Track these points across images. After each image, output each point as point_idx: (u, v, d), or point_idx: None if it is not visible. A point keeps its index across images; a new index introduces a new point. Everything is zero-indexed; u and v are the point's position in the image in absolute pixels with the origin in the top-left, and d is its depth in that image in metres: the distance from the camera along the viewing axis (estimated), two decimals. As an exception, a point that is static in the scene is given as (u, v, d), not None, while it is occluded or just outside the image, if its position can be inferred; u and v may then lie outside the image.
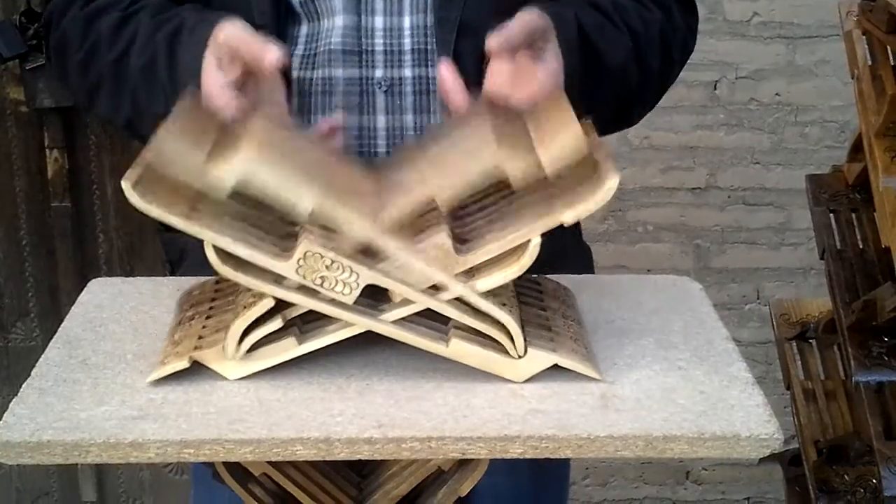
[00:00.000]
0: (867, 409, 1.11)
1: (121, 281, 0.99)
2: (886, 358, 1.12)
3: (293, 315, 0.80)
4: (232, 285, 0.89)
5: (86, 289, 0.97)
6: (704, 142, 2.35)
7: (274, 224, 0.81)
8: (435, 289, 0.79)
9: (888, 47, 1.19)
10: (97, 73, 1.03)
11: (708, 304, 0.96)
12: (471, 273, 0.79)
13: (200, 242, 1.12)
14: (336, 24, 1.02)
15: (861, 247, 1.25)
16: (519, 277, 0.81)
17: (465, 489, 0.84)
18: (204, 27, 0.93)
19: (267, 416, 0.76)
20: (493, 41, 0.83)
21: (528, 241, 0.78)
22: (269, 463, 0.81)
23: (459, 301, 0.80)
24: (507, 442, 0.74)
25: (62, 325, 0.90)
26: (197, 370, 0.81)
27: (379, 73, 1.02)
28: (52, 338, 0.88)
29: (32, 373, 0.82)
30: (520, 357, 0.81)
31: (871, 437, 1.11)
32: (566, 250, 1.16)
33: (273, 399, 0.78)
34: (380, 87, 1.02)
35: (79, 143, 2.05)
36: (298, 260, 0.77)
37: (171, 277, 0.98)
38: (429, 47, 1.02)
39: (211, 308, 0.87)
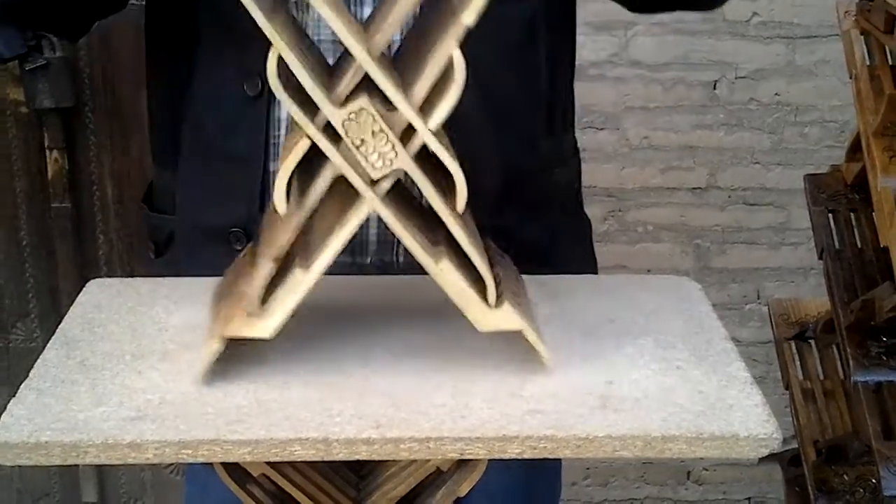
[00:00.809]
0: (866, 410, 1.11)
1: (119, 282, 0.99)
2: (885, 358, 1.12)
3: (281, 255, 0.78)
4: (243, 261, 0.88)
5: (84, 289, 0.96)
6: (704, 142, 2.35)
7: (321, 74, 0.79)
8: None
9: (886, 47, 1.19)
10: None
11: (707, 305, 0.96)
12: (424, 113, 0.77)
13: (189, 228, 1.12)
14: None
15: (860, 246, 1.25)
16: (493, 248, 0.79)
17: (463, 490, 0.84)
18: None
19: (265, 417, 0.76)
20: None
21: (451, 57, 0.75)
22: (268, 463, 0.81)
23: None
24: (505, 442, 0.74)
25: (60, 326, 0.90)
26: (194, 369, 0.81)
27: None
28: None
29: (30, 374, 0.82)
30: (493, 307, 0.80)
31: (870, 437, 1.11)
32: (559, 227, 1.16)
33: (271, 399, 0.78)
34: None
35: (79, 144, 2.06)
36: (351, 113, 0.75)
37: (168, 278, 0.98)
38: None
39: (230, 292, 0.86)
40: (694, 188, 2.39)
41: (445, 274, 0.79)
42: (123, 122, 2.04)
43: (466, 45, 0.97)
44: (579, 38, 1.21)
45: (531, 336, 0.82)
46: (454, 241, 0.80)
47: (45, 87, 1.98)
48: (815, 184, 1.33)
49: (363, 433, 0.74)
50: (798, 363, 1.47)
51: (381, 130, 0.76)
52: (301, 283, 0.79)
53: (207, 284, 0.90)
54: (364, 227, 1.04)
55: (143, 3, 1.15)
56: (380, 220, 1.02)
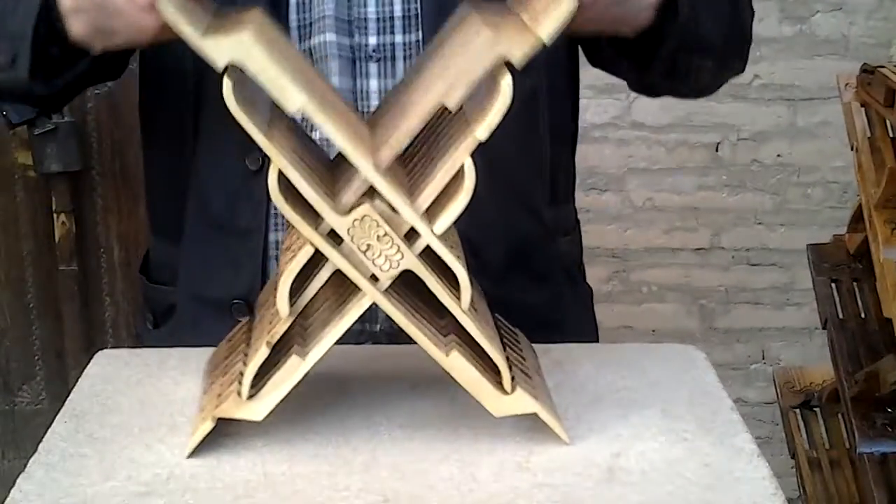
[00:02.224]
0: (871, 480, 1.10)
1: (127, 352, 0.99)
2: (890, 429, 1.12)
3: (275, 340, 0.80)
4: (241, 337, 0.90)
5: (92, 360, 0.97)
6: (707, 202, 2.36)
7: (324, 175, 0.81)
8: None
9: (887, 120, 1.20)
10: None
11: (712, 373, 0.96)
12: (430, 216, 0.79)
13: (190, 300, 1.12)
14: None
15: (863, 316, 1.25)
16: (504, 327, 0.81)
17: (471, 563, 0.83)
18: None
19: (273, 491, 0.76)
20: None
21: (462, 167, 0.77)
22: (275, 537, 0.81)
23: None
24: (513, 516, 0.74)
25: (68, 398, 0.90)
26: (205, 441, 0.81)
27: (372, 40, 1.05)
28: (58, 401, 0.89)
29: (39, 448, 0.82)
30: (508, 393, 0.81)
31: (876, 507, 1.11)
32: (562, 295, 1.16)
33: (279, 473, 0.78)
34: (372, 59, 1.05)
35: (86, 208, 2.07)
36: (355, 220, 0.77)
37: (177, 349, 0.98)
38: (419, 12, 1.04)
39: (226, 367, 0.88)
40: (698, 249, 2.40)
41: (457, 366, 0.81)
42: (130, 185, 2.06)
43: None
44: (582, 101, 1.22)
45: (547, 418, 0.82)
46: (463, 327, 0.81)
47: (52, 152, 2.01)
48: (818, 254, 1.34)
49: (371, 508, 0.74)
50: (804, 432, 1.47)
51: (386, 234, 0.77)
52: (297, 371, 0.80)
53: (215, 356, 0.91)
54: (365, 99, 1.05)
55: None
56: (381, 94, 1.04)
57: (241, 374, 0.82)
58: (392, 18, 1.05)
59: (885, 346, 1.17)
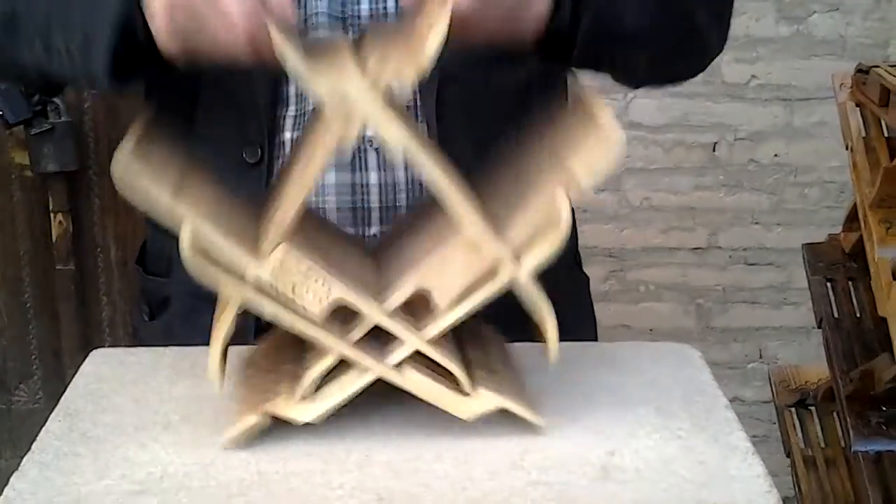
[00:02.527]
0: (866, 479, 1.10)
1: (122, 351, 0.99)
2: (885, 427, 1.12)
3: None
4: (288, 335, 0.90)
5: (87, 359, 0.97)
6: (704, 202, 2.36)
7: (247, 224, 0.81)
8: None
9: (881, 119, 1.20)
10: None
11: (707, 372, 0.96)
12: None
13: (186, 291, 1.12)
14: None
15: (858, 315, 1.25)
16: (463, 323, 0.82)
17: (465, 562, 0.84)
18: None
19: (267, 490, 0.76)
20: None
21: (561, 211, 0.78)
22: (269, 536, 0.81)
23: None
24: (507, 514, 0.74)
25: (63, 397, 0.90)
26: (199, 440, 0.81)
27: (369, 131, 1.04)
28: (55, 400, 0.89)
29: (33, 446, 0.82)
30: (468, 395, 0.82)
31: (871, 507, 1.11)
32: (558, 285, 1.16)
33: (273, 472, 0.78)
34: (371, 145, 1.04)
35: (83, 207, 2.07)
36: (274, 263, 0.78)
37: (171, 348, 0.98)
38: (415, 100, 1.03)
39: (272, 363, 0.88)
40: (695, 248, 2.40)
41: (415, 383, 0.82)
42: (127, 185, 2.06)
43: (461, 111, 0.97)
44: (579, 102, 1.22)
45: (516, 409, 0.83)
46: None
47: (49, 151, 2.01)
48: (813, 253, 1.34)
49: (365, 506, 0.74)
50: (799, 431, 1.47)
51: (309, 269, 0.78)
52: (356, 383, 0.81)
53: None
54: (365, 195, 1.04)
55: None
56: (382, 188, 1.03)
57: (294, 373, 0.82)
58: (386, 15, 1.04)
59: (880, 344, 1.17)
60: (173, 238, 1.13)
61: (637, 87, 1.17)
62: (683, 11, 1.03)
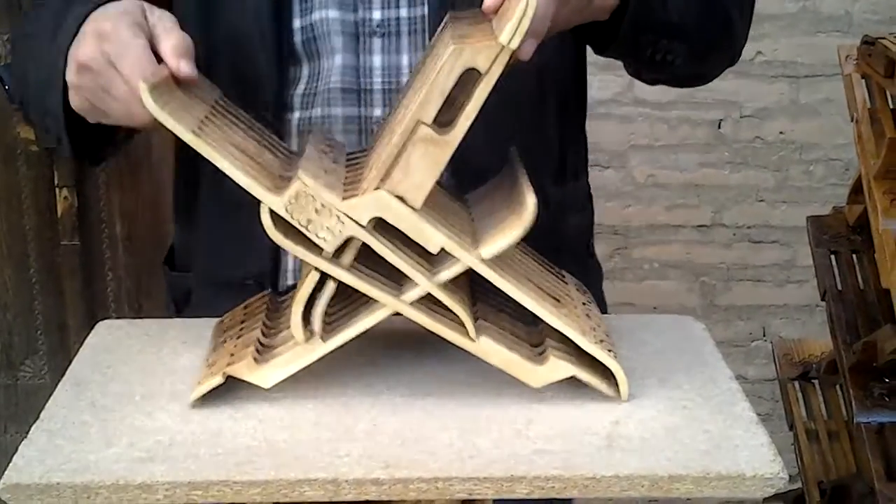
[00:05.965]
0: (868, 450, 1.11)
1: (128, 323, 1.00)
2: (887, 399, 1.12)
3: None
4: (259, 306, 0.92)
5: (93, 331, 0.97)
6: (709, 180, 2.36)
7: (271, 163, 0.84)
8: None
9: (887, 91, 1.20)
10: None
11: (711, 344, 0.96)
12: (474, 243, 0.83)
13: (206, 283, 1.13)
14: (335, 64, 1.03)
15: (862, 288, 1.25)
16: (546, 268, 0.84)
17: (469, 530, 0.84)
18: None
19: (275, 458, 0.76)
20: None
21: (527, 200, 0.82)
22: (277, 504, 0.82)
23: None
24: (513, 482, 0.75)
25: (70, 367, 0.90)
26: (206, 409, 0.82)
27: (377, 111, 1.04)
28: (60, 376, 0.89)
29: (41, 415, 0.82)
30: (541, 364, 0.83)
31: (873, 478, 1.11)
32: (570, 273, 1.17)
33: (280, 440, 0.79)
34: (376, 33, 1.04)
35: (88, 182, 2.07)
36: (290, 198, 0.79)
37: (178, 319, 0.99)
38: None
39: (241, 329, 0.89)
40: (699, 226, 2.40)
41: (487, 349, 0.83)
42: (133, 160, 2.06)
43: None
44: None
45: (590, 380, 0.85)
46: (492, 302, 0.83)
47: (55, 127, 2.00)
48: (817, 225, 1.34)
49: (372, 473, 0.75)
50: (802, 403, 1.47)
51: (323, 206, 0.80)
52: (314, 352, 0.83)
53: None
54: (368, 76, 1.05)
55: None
56: (385, 70, 1.05)
57: (259, 340, 0.85)
58: (399, 92, 1.04)
59: (883, 316, 1.17)
60: (194, 232, 1.14)
61: (662, 82, 1.17)
62: (723, 9, 1.07)
